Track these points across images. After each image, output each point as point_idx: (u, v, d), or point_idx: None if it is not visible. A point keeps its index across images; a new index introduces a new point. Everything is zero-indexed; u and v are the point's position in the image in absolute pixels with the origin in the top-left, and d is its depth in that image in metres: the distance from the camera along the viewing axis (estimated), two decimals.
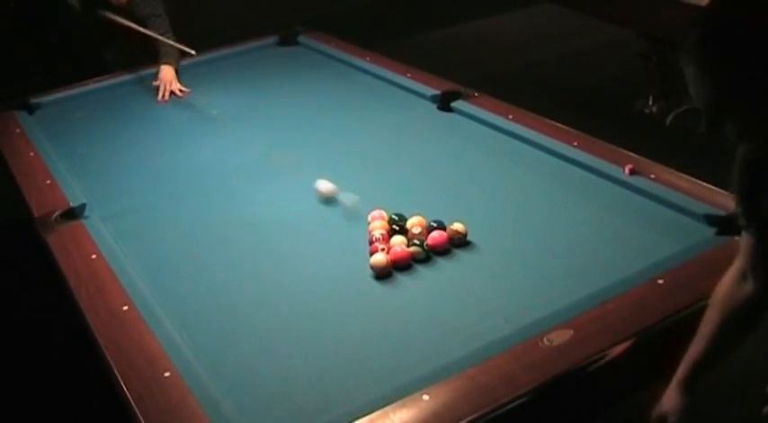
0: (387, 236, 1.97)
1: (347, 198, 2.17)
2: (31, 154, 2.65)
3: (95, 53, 3.95)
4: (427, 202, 2.13)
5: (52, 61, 4.70)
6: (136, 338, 1.66)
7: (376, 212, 2.09)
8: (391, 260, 1.88)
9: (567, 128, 2.44)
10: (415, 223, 2.02)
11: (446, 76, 3.00)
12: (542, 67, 5.45)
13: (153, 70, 3.34)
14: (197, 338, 1.70)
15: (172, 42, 3.36)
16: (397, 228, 2.02)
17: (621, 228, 1.98)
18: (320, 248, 2.02)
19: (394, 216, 2.07)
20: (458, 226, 1.97)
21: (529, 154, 2.39)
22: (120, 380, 1.54)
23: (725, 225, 1.87)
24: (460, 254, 1.94)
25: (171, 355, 1.60)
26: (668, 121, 4.46)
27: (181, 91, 3.27)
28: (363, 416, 1.39)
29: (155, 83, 3.31)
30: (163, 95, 3.25)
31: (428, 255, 1.92)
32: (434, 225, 2.00)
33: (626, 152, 2.25)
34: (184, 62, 3.44)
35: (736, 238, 1.78)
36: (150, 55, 3.61)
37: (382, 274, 1.86)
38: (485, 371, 1.46)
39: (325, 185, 2.23)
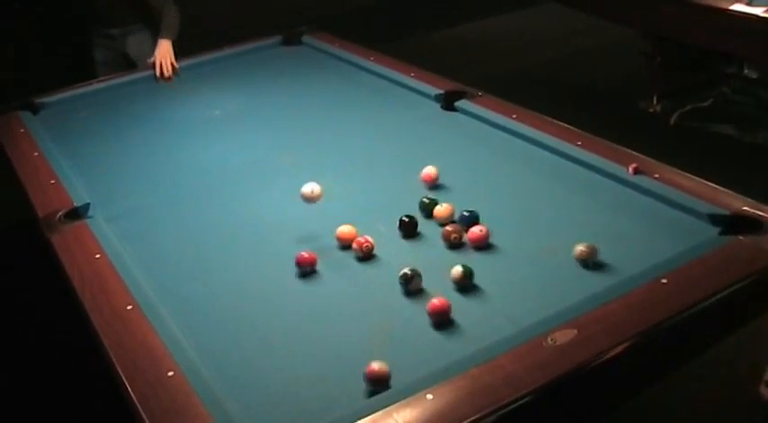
0: (371, 241, 1.95)
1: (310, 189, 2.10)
2: (35, 154, 2.65)
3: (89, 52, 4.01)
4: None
5: (52, 60, 4.72)
6: (139, 338, 1.66)
7: (430, 170, 2.20)
8: (432, 311, 1.69)
9: (571, 127, 2.44)
10: (442, 213, 2.04)
11: (450, 75, 3.00)
12: (546, 66, 5.45)
13: (150, 72, 3.40)
14: (201, 338, 1.70)
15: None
16: (405, 221, 2.01)
17: (625, 227, 1.98)
18: (323, 249, 2.01)
19: (425, 199, 2.10)
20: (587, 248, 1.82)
21: (532, 153, 2.39)
22: (123, 380, 1.54)
23: (729, 225, 1.86)
24: (464, 253, 1.94)
25: (175, 355, 1.60)
26: (672, 121, 4.46)
27: (173, 66, 3.39)
28: (367, 415, 1.39)
29: (150, 60, 3.43)
30: (161, 72, 3.36)
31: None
32: (466, 214, 2.01)
33: (630, 152, 2.25)
34: (187, 61, 3.46)
35: (740, 237, 1.80)
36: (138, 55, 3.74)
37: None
38: (488, 371, 1.46)
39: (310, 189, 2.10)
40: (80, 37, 4.10)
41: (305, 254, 1.92)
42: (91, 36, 4.02)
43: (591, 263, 1.82)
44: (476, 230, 1.95)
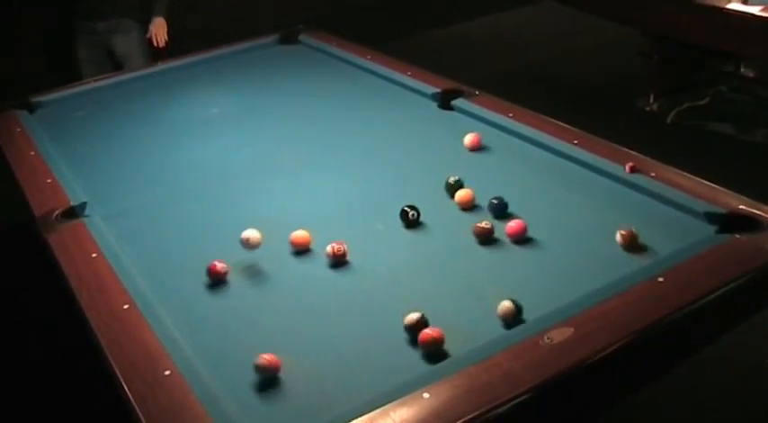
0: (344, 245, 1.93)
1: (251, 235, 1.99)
2: (32, 153, 2.65)
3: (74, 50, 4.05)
4: (428, 200, 2.13)
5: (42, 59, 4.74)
6: (137, 337, 1.66)
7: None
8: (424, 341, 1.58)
9: (568, 126, 2.44)
10: (463, 197, 2.09)
11: (447, 74, 3.00)
12: (543, 65, 5.46)
13: (148, 71, 3.46)
14: (198, 337, 1.70)
15: None
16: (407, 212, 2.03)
17: (622, 226, 1.98)
18: (321, 248, 2.01)
19: (450, 179, 2.15)
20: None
21: (529, 152, 2.39)
22: (120, 379, 1.54)
23: (725, 223, 1.87)
24: (461, 252, 1.94)
25: (172, 354, 1.60)
26: (669, 119, 4.46)
27: (166, 42, 3.95)
28: (363, 414, 1.39)
29: (147, 35, 3.98)
30: (158, 43, 3.96)
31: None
32: (495, 202, 2.03)
33: (626, 150, 2.25)
34: (185, 60, 3.47)
35: (737, 236, 1.80)
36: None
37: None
38: (485, 369, 1.46)
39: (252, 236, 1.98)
40: (67, 34, 4.11)
41: (216, 264, 1.90)
42: (75, 33, 4.04)
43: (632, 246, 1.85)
44: (512, 225, 1.96)
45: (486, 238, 1.95)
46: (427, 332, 1.59)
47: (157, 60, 3.70)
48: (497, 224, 1.99)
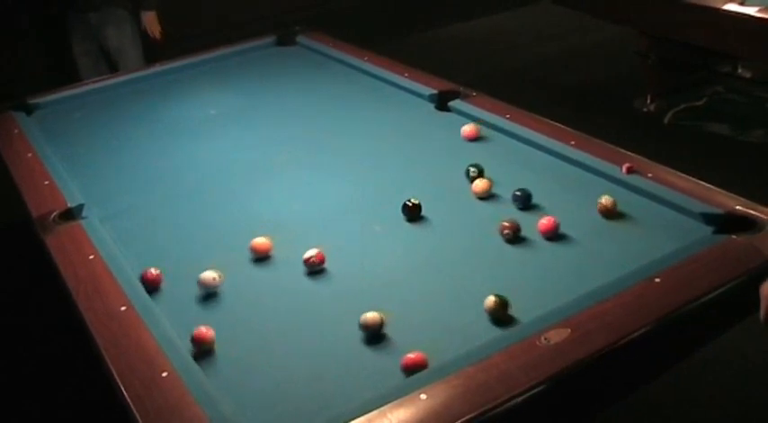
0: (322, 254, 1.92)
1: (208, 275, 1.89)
2: (29, 155, 2.64)
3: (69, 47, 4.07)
4: (425, 199, 2.13)
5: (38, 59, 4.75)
6: (134, 338, 1.66)
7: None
8: (406, 365, 1.55)
9: (565, 127, 2.44)
10: (480, 187, 2.15)
11: (444, 75, 3.01)
12: (540, 66, 5.46)
13: (145, 72, 3.48)
14: None
15: None
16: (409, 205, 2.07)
17: (619, 226, 1.98)
18: (318, 248, 2.01)
19: (470, 167, 2.20)
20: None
21: (526, 153, 2.39)
22: (118, 380, 1.54)
23: (722, 224, 1.87)
24: (458, 252, 1.95)
25: (169, 355, 1.60)
26: (666, 120, 4.46)
27: (161, 33, 4.12)
28: (361, 415, 1.39)
29: (142, 28, 4.10)
30: (155, 37, 4.10)
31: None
32: (519, 194, 2.06)
33: (624, 151, 2.25)
34: (182, 61, 3.48)
35: (734, 236, 1.80)
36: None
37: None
38: (482, 370, 1.46)
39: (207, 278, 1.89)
40: (64, 34, 4.11)
41: (153, 270, 1.90)
42: (68, 28, 4.03)
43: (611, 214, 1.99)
44: (544, 222, 1.96)
45: (514, 237, 1.95)
46: (410, 357, 1.55)
47: (155, 54, 3.73)
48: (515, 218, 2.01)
